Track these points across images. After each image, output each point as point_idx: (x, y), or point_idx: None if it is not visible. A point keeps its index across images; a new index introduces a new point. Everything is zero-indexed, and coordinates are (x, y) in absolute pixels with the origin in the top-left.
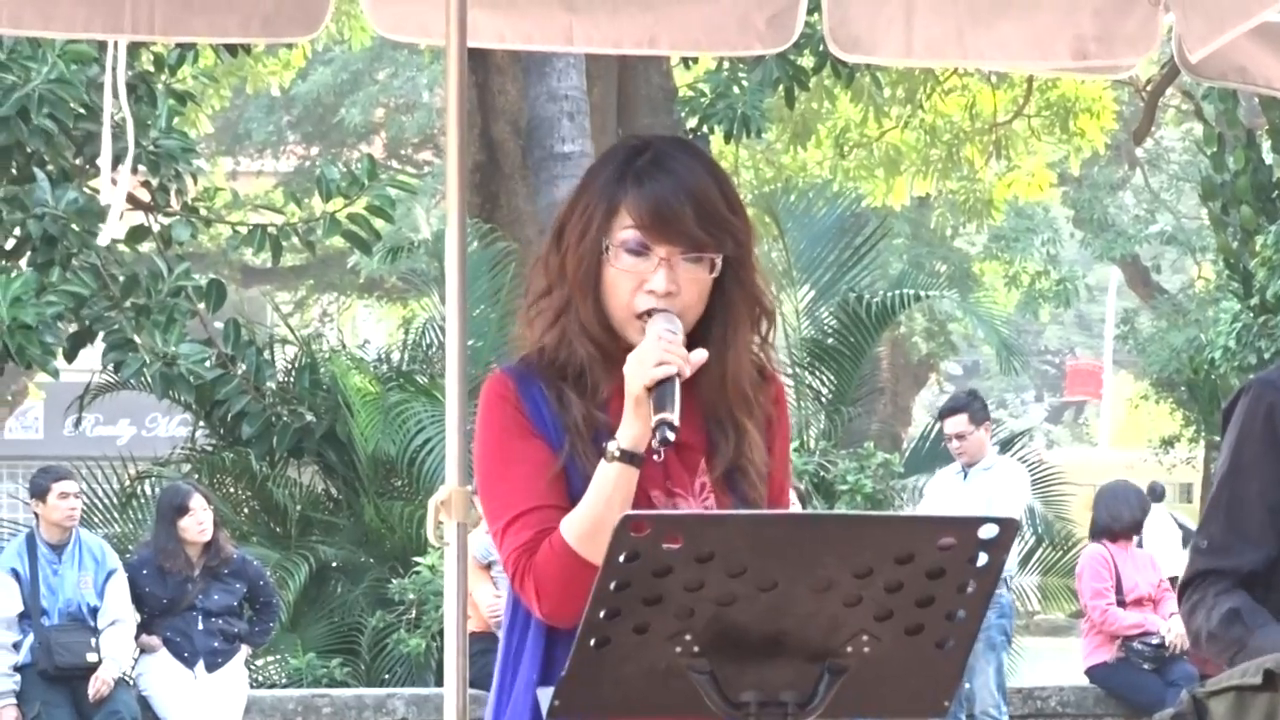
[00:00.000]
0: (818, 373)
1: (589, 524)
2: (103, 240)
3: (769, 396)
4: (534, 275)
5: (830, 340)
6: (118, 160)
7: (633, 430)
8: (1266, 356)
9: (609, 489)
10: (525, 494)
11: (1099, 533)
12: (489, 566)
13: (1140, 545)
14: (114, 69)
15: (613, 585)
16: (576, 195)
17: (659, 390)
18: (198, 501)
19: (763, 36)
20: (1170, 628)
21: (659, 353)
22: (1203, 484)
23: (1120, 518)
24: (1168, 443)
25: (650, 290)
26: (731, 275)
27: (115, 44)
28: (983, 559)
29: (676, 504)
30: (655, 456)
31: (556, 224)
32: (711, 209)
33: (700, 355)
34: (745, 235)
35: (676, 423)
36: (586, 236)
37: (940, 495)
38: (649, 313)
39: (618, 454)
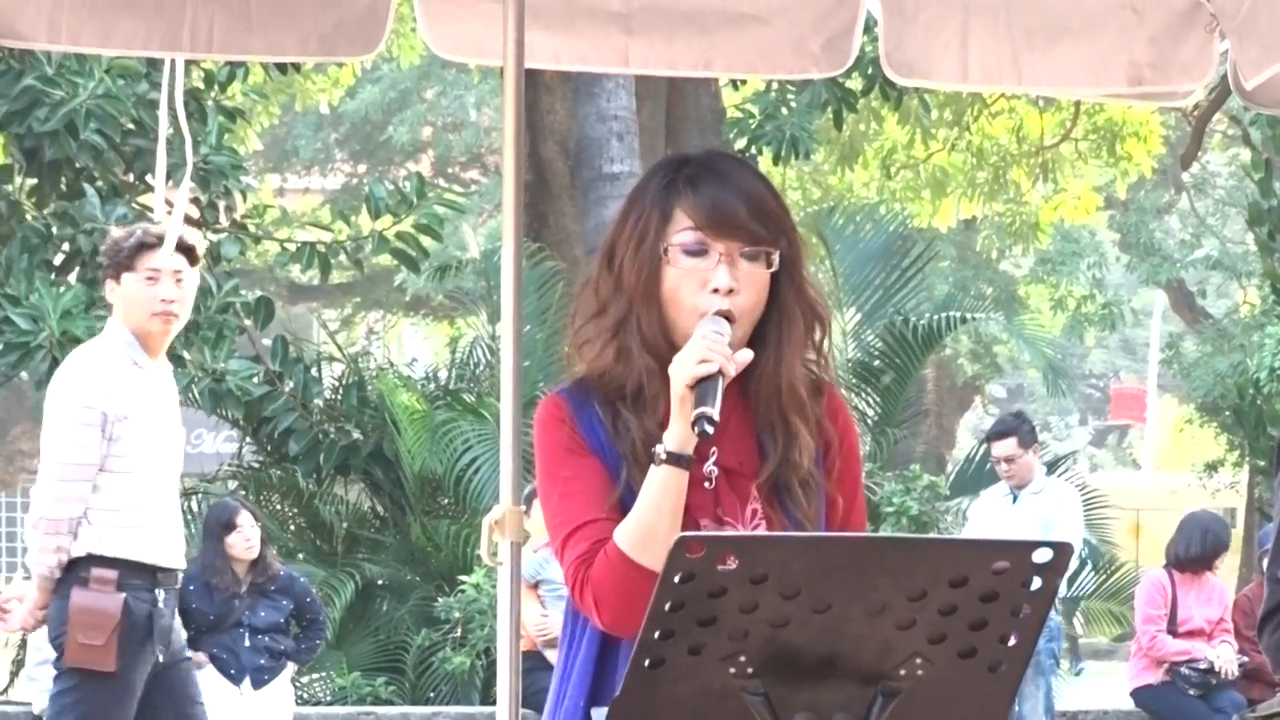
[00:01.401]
0: (864, 395)
1: (641, 530)
2: (163, 256)
3: (825, 410)
4: (584, 298)
5: (876, 362)
6: (170, 176)
7: (678, 431)
8: None
9: (658, 493)
10: (582, 508)
11: (1170, 561)
12: (536, 586)
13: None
14: (170, 87)
15: (667, 606)
16: (625, 212)
17: (700, 387)
18: (245, 518)
19: (818, 60)
20: (1220, 654)
21: (702, 351)
22: (1246, 509)
23: (1188, 549)
24: (1212, 467)
25: (714, 289)
26: (786, 277)
27: (172, 62)
28: (1036, 583)
29: (725, 531)
30: (706, 484)
31: (606, 244)
32: (764, 204)
33: (746, 355)
34: (795, 236)
35: (716, 417)
36: (644, 245)
37: (988, 517)
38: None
39: (664, 456)
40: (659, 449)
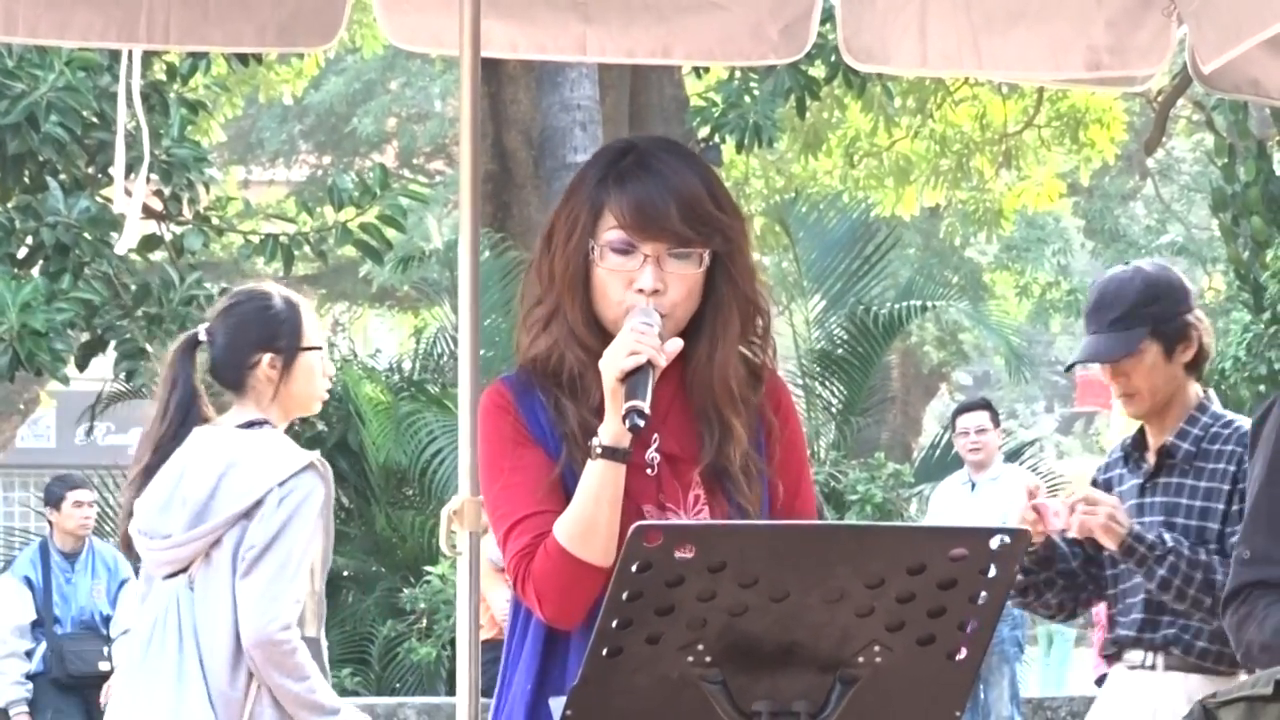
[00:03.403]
0: (828, 383)
1: (580, 524)
2: (120, 250)
3: (764, 398)
4: (528, 283)
5: (840, 350)
6: (131, 169)
7: (612, 425)
8: (1277, 367)
9: (595, 486)
10: (523, 500)
11: None
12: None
13: None
14: (128, 78)
15: (625, 595)
16: (564, 201)
17: (630, 380)
18: None
19: (776, 46)
20: None
21: (630, 343)
22: None
23: None
24: None
25: (639, 289)
26: (722, 272)
27: (130, 53)
28: (994, 570)
29: (668, 517)
30: (649, 470)
31: (545, 230)
32: (696, 205)
33: (675, 345)
34: (734, 232)
35: (646, 410)
36: (573, 239)
37: (948, 506)
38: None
39: (599, 450)
40: (594, 443)
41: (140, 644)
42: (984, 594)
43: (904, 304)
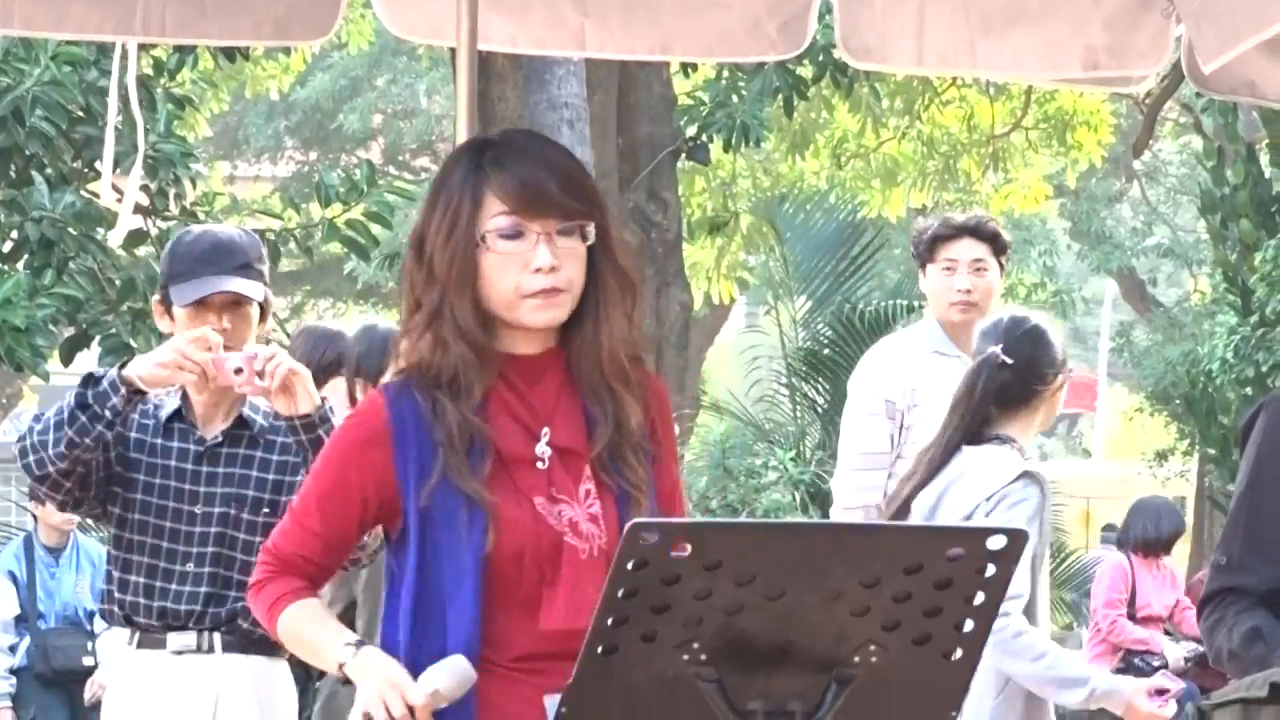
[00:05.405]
0: (813, 383)
1: (296, 646)
2: (113, 242)
3: (647, 389)
4: (404, 295)
5: (826, 350)
6: (118, 164)
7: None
8: (1264, 370)
9: (312, 653)
10: (308, 541)
11: (1129, 545)
12: None
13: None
14: (122, 72)
15: (620, 593)
16: (431, 201)
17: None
18: None
19: (775, 43)
20: (1175, 650)
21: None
22: (1196, 497)
23: (1156, 531)
24: (1162, 456)
25: (537, 269)
26: (600, 248)
27: (124, 47)
28: (991, 570)
29: (560, 510)
30: (539, 464)
31: (415, 236)
32: (575, 179)
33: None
34: (606, 206)
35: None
36: (455, 233)
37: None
38: (539, 293)
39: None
40: (348, 654)
41: None
42: (980, 594)
43: (890, 303)
